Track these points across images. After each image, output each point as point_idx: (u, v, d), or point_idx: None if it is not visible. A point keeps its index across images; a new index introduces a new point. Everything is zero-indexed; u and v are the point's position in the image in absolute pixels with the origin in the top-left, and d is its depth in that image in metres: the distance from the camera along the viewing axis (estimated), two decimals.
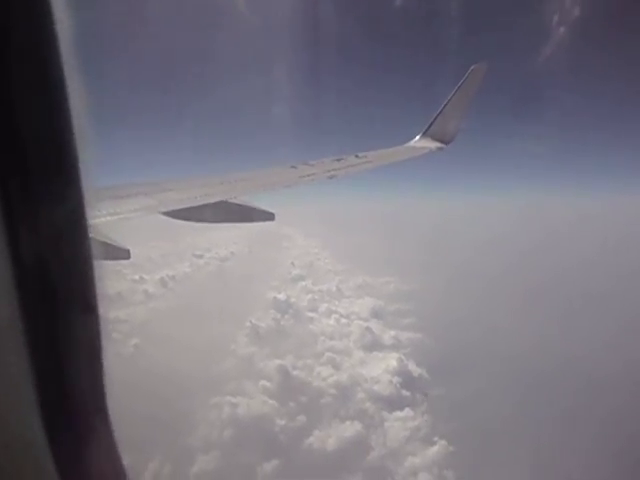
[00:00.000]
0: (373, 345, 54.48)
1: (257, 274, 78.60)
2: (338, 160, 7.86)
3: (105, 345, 1.16)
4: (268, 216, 6.12)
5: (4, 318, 0.96)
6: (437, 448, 38.16)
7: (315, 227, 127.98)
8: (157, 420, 33.48)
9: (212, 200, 5.55)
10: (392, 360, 49.95)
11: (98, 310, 1.12)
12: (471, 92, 9.40)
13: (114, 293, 58.26)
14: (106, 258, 4.13)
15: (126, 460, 1.34)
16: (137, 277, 68.30)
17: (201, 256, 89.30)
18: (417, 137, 9.73)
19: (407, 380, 46.93)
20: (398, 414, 42.66)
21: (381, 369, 48.58)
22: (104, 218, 4.21)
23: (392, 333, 57.30)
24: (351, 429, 40.41)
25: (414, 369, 48.79)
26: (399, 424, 41.60)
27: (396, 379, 46.75)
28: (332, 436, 39.59)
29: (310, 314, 62.10)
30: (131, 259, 4.71)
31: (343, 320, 60.41)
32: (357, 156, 8.24)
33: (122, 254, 4.47)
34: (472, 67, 9.30)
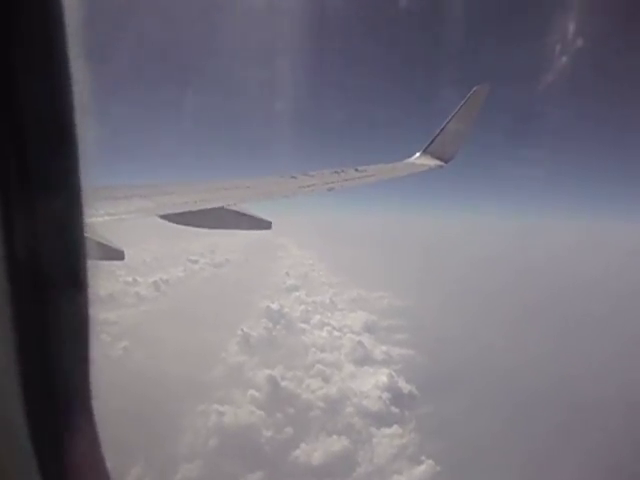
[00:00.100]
0: (364, 359, 54.20)
1: (251, 282, 78.32)
2: (338, 173, 7.91)
3: (93, 345, 1.15)
4: (265, 225, 6.13)
5: None
6: (424, 467, 37.78)
7: (311, 238, 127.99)
8: (142, 425, 33.08)
9: (210, 206, 5.56)
10: (382, 376, 49.68)
11: (89, 309, 1.12)
12: (473, 112, 9.51)
13: (106, 294, 57.94)
14: (100, 258, 4.11)
15: (109, 463, 1.33)
16: (130, 279, 67.96)
17: (196, 261, 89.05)
18: (417, 154, 9.80)
19: (396, 396, 46.63)
20: (386, 431, 42.32)
21: (371, 384, 48.28)
22: (101, 218, 4.21)
23: (384, 348, 57.06)
24: (338, 444, 40.01)
25: (404, 386, 48.50)
26: (387, 441, 41.23)
27: (385, 395, 46.45)
28: (319, 450, 39.18)
29: (302, 325, 61.84)
30: (125, 260, 4.70)
31: (335, 333, 60.16)
32: (357, 170, 8.29)
33: (117, 255, 4.46)
34: (475, 88, 9.42)
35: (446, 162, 9.70)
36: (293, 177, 7.36)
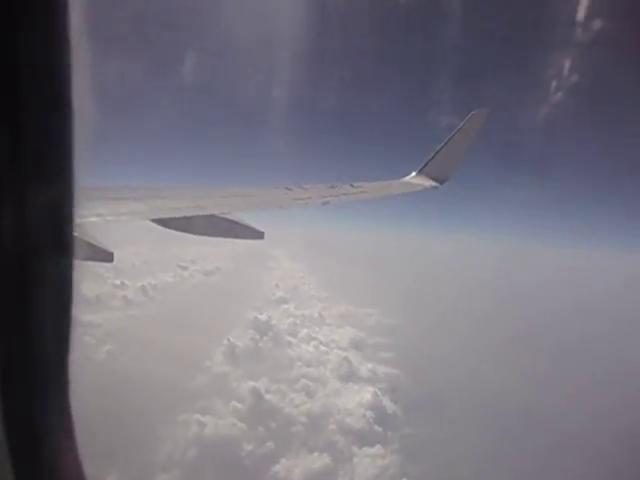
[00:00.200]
0: (349, 376, 53.82)
1: (240, 292, 77.88)
2: (333, 187, 7.94)
3: (74, 347, 1.13)
4: (258, 235, 6.11)
5: None
6: None
7: (303, 251, 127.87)
8: (121, 430, 32.44)
9: (203, 213, 5.55)
10: (367, 394, 49.30)
11: (71, 309, 1.10)
12: (470, 136, 9.64)
13: (93, 296, 57.31)
14: (89, 259, 4.08)
15: (86, 468, 1.30)
16: (118, 282, 67.28)
17: (186, 268, 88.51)
18: (413, 173, 9.89)
19: (380, 416, 46.22)
20: (368, 450, 41.83)
21: (355, 402, 47.87)
22: (92, 218, 4.18)
23: (369, 366, 56.74)
24: (319, 461, 39.48)
25: (388, 405, 48.12)
26: (368, 461, 40.74)
27: (369, 413, 46.04)
28: (299, 466, 38.62)
29: (289, 338, 61.42)
30: (114, 263, 4.66)
31: (322, 348, 59.81)
32: (352, 185, 8.34)
33: (105, 257, 4.42)
34: (472, 112, 9.57)
35: (441, 183, 9.80)
36: (288, 189, 7.38)
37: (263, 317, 63.61)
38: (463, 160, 9.96)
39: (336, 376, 53.57)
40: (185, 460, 36.84)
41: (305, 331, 64.46)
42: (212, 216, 5.60)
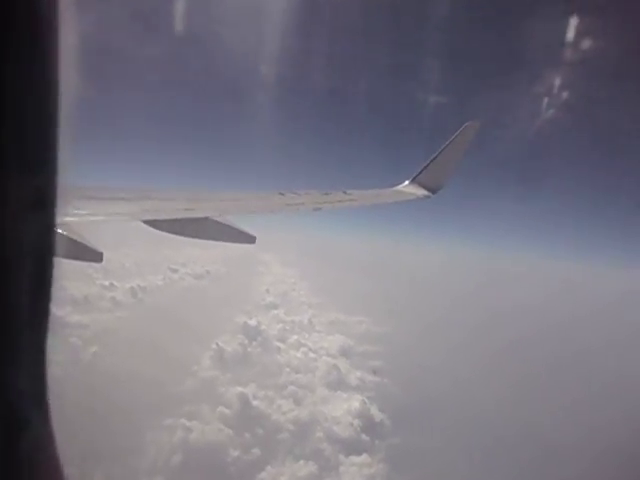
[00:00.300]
0: (338, 384, 53.63)
1: (230, 296, 77.50)
2: (326, 194, 7.96)
3: (55, 344, 1.11)
4: (249, 239, 6.10)
5: None
6: None
7: (295, 257, 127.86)
8: (105, 433, 31.99)
9: (195, 215, 5.53)
10: (355, 402, 49.13)
11: (50, 306, 1.08)
12: (462, 147, 9.74)
13: (81, 296, 56.72)
14: (77, 259, 4.04)
15: (67, 471, 1.28)
16: (107, 283, 66.62)
17: (176, 270, 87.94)
18: (406, 182, 9.95)
19: (368, 424, 46.06)
20: (354, 459, 41.62)
21: (343, 410, 47.68)
22: (83, 218, 4.15)
23: (358, 374, 56.60)
24: (305, 469, 39.19)
25: (376, 414, 47.96)
26: (354, 470, 40.52)
27: (357, 422, 45.86)
28: (285, 474, 38.31)
29: (278, 344, 61.14)
30: (104, 263, 4.62)
31: (311, 354, 59.58)
32: (345, 192, 8.36)
33: (95, 257, 4.38)
34: (466, 124, 9.67)
35: (433, 193, 9.87)
36: (281, 194, 7.39)
37: (252, 322, 63.33)
38: (455, 170, 10.05)
39: (324, 383, 53.37)
40: (170, 465, 36.38)
41: (294, 337, 64.22)
42: (204, 219, 5.58)
